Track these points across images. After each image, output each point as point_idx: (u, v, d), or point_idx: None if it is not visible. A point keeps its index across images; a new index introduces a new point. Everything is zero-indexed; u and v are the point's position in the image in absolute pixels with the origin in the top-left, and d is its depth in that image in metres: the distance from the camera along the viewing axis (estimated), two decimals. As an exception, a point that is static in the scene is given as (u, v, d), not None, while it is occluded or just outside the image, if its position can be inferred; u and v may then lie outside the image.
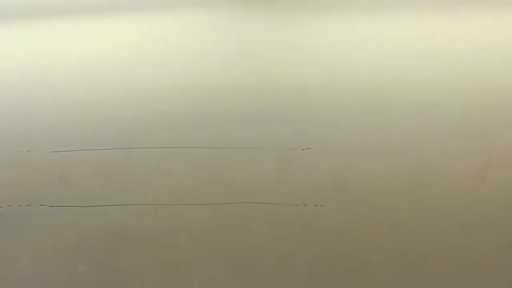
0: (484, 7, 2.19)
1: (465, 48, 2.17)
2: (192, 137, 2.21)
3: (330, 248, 2.13)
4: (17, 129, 2.29)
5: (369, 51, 2.19)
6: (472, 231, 2.09)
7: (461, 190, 2.10)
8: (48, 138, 2.27)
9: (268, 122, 2.19)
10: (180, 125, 2.22)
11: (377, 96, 2.15)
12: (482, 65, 2.15)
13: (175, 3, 2.32)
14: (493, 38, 2.17)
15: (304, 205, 2.15)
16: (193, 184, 2.19)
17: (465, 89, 2.14)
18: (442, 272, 2.10)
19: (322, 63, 2.20)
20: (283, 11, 2.27)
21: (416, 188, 2.11)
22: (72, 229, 2.23)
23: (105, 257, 2.22)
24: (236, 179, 2.18)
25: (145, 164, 2.21)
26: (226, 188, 2.18)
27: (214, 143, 2.20)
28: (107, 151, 2.23)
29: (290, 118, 2.18)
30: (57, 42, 2.34)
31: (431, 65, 2.16)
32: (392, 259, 2.11)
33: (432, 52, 2.17)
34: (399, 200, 2.11)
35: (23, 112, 2.30)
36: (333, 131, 2.15)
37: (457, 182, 2.10)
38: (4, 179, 2.27)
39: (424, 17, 2.20)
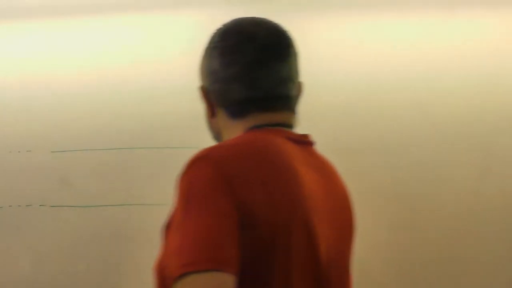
0: (486, 7, 2.19)
1: (465, 49, 2.17)
2: (192, 137, 2.21)
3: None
4: (17, 129, 2.29)
5: (370, 51, 2.19)
6: (472, 230, 2.09)
7: (461, 189, 2.10)
8: (48, 138, 2.27)
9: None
10: (180, 125, 2.22)
11: (377, 96, 2.16)
12: (483, 65, 2.15)
13: (175, 3, 2.32)
14: (493, 38, 2.17)
15: (304, 205, 2.14)
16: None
17: (465, 89, 2.14)
18: (442, 271, 2.10)
19: (322, 63, 2.20)
20: (283, 10, 2.27)
21: (416, 187, 2.11)
22: (72, 229, 2.24)
23: (105, 257, 2.22)
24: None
25: (145, 164, 2.22)
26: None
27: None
28: (107, 151, 2.23)
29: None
30: (57, 42, 2.34)
31: (432, 65, 2.16)
32: (392, 258, 2.11)
33: (432, 52, 2.17)
34: (399, 199, 2.11)
35: (23, 112, 2.30)
36: (333, 131, 2.15)
37: (457, 181, 2.10)
38: (4, 179, 2.28)
39: (425, 17, 2.20)
